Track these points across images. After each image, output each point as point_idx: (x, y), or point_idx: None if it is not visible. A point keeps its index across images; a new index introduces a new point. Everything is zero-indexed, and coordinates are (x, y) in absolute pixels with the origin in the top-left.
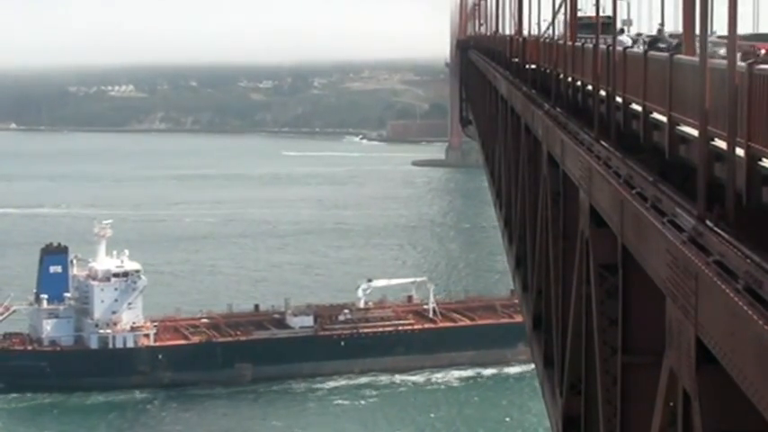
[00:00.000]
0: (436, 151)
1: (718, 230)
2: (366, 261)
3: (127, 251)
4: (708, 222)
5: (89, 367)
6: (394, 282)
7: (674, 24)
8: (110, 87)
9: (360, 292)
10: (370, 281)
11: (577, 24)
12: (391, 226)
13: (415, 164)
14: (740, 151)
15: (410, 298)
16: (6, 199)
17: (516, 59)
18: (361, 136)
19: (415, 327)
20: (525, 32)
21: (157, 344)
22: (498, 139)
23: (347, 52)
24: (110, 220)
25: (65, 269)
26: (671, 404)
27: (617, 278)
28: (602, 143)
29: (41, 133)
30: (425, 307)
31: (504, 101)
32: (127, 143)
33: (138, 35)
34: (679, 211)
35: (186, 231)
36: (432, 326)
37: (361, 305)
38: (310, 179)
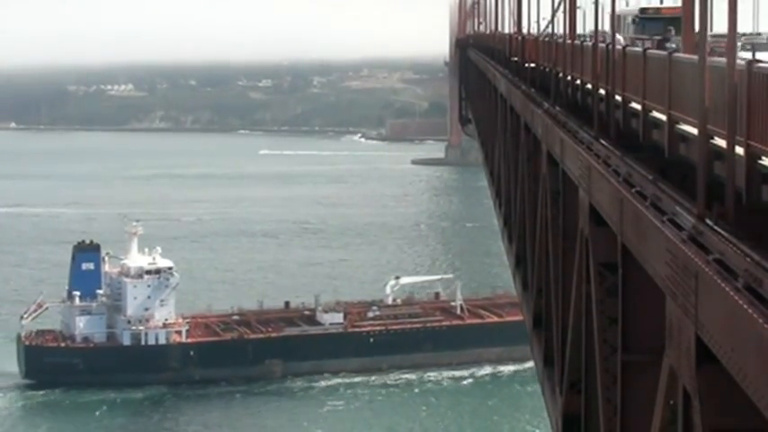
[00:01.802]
0: (435, 150)
1: (718, 229)
2: (385, 259)
3: (159, 248)
4: (707, 221)
5: (121, 364)
6: (421, 279)
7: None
8: (109, 86)
9: (388, 289)
10: (397, 278)
11: (640, 18)
12: (403, 224)
13: (415, 162)
14: (740, 150)
15: (437, 295)
16: (27, 198)
17: (515, 58)
18: (360, 135)
19: (443, 323)
20: (524, 31)
21: (189, 340)
22: (498, 137)
23: (346, 51)
24: (138, 219)
25: (97, 266)
26: (671, 403)
27: (617, 277)
28: (602, 142)
29: (41, 132)
30: (452, 304)
31: (504, 99)
32: (128, 142)
33: (138, 34)
34: (679, 209)
35: (206, 229)
36: (459, 322)
37: (390, 302)
38: (312, 178)
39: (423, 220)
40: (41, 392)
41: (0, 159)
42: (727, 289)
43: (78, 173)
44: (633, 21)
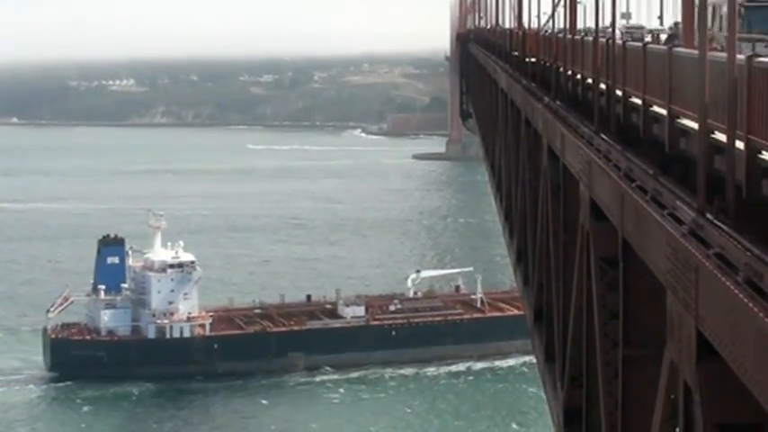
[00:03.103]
0: (436, 145)
1: (719, 223)
2: (400, 253)
3: (182, 242)
4: (708, 215)
5: (146, 357)
6: (441, 272)
7: (672, 17)
8: (111, 82)
9: (409, 283)
10: (418, 271)
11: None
12: (412, 219)
13: (416, 157)
14: (740, 144)
15: (457, 288)
16: (35, 193)
17: (516, 53)
18: (361, 129)
19: (464, 316)
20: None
21: (213, 334)
22: (498, 132)
23: (347, 46)
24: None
25: (122, 260)
26: (672, 396)
27: (617, 271)
28: (603, 136)
29: (43, 128)
30: (473, 297)
31: (505, 94)
32: (130, 137)
33: (139, 29)
34: (679, 203)
35: (218, 224)
36: (480, 315)
37: (411, 295)
38: (314, 173)
39: (431, 214)
40: (67, 385)
41: (4, 155)
42: (727, 283)
43: (81, 168)
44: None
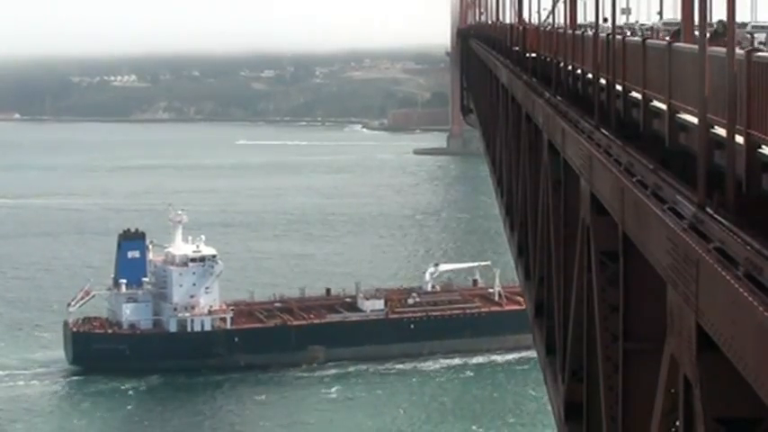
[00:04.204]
0: (437, 140)
1: (719, 217)
2: (415, 247)
3: (203, 237)
4: (708, 209)
5: (168, 350)
6: (459, 266)
7: (672, 12)
8: (112, 77)
9: (427, 276)
10: (436, 265)
11: None
12: (422, 213)
13: (417, 152)
14: (740, 139)
15: (475, 282)
16: (44, 188)
17: (517, 48)
18: (362, 125)
19: (482, 310)
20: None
21: (234, 327)
22: (499, 127)
23: (348, 41)
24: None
25: (142, 254)
26: (672, 390)
27: (618, 265)
28: (603, 131)
29: (45, 123)
30: (490, 290)
31: (505, 89)
32: (133, 132)
33: (141, 25)
34: (679, 198)
35: (232, 218)
36: (498, 308)
37: (429, 289)
38: (315, 168)
39: (439, 209)
40: (88, 378)
41: (8, 151)
42: (727, 277)
43: (86, 164)
44: None
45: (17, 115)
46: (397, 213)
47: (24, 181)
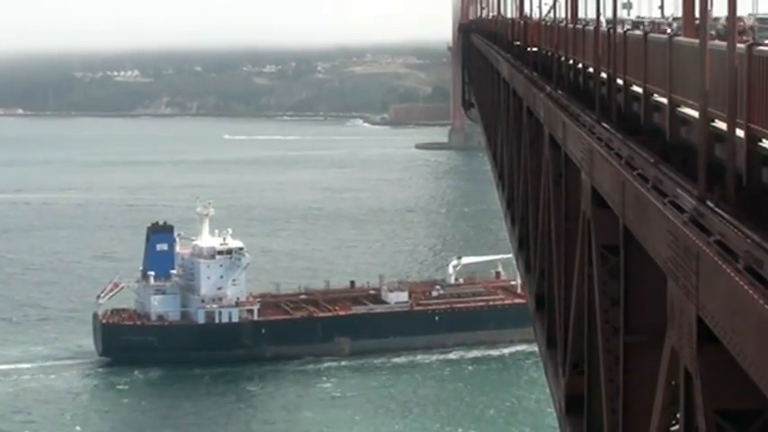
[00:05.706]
0: (439, 134)
1: (719, 211)
2: (431, 241)
3: (230, 230)
4: (708, 203)
5: (195, 341)
6: (482, 259)
7: (673, 7)
8: (115, 72)
9: (450, 269)
10: (459, 258)
11: None
12: (432, 207)
13: (419, 147)
14: (740, 132)
15: (498, 274)
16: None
17: (518, 42)
18: (363, 120)
19: (505, 302)
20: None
21: (261, 319)
22: (500, 121)
23: (350, 36)
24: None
25: (170, 247)
26: (672, 383)
27: (619, 258)
28: (604, 125)
29: (48, 118)
30: (513, 283)
31: (506, 84)
32: (136, 128)
33: (143, 20)
34: (680, 191)
35: (247, 213)
36: (521, 301)
37: (452, 281)
38: (319, 163)
39: (450, 202)
40: (117, 369)
41: (13, 146)
42: (727, 270)
43: (97, 159)
44: None
45: (20, 110)
46: (408, 208)
47: (41, 176)
